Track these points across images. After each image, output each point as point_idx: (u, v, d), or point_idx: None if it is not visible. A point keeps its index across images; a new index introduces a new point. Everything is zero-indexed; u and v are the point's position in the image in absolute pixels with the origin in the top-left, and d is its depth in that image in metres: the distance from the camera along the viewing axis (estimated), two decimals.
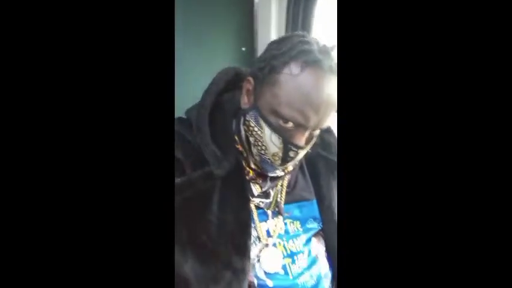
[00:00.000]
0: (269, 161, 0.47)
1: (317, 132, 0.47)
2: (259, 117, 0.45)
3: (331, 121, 0.46)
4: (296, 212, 0.55)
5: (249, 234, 0.49)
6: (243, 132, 0.49)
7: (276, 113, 0.43)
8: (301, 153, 0.47)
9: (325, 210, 0.56)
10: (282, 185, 0.55)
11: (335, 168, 0.59)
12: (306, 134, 0.45)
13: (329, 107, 0.43)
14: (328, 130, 0.61)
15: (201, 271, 0.45)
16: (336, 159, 0.59)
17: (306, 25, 0.76)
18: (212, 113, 0.50)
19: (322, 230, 0.57)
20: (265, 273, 0.51)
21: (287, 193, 0.55)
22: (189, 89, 0.55)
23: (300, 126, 0.44)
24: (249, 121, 0.47)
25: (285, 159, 0.45)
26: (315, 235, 0.56)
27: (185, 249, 0.46)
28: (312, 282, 0.52)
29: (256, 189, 0.52)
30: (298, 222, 0.55)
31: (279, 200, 0.54)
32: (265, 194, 0.53)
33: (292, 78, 0.42)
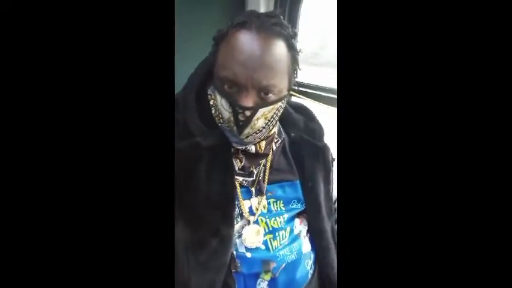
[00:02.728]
0: (227, 128, 0.48)
1: (271, 96, 0.46)
2: (214, 87, 0.48)
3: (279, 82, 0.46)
4: (279, 192, 0.56)
5: (233, 206, 0.50)
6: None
7: (219, 78, 0.46)
8: (257, 120, 0.46)
9: (308, 191, 0.57)
10: (265, 166, 0.56)
11: (319, 152, 0.59)
12: (251, 95, 0.45)
13: (259, 63, 0.44)
14: (313, 119, 0.63)
15: (189, 235, 0.46)
16: (320, 145, 0.60)
17: (291, 21, 0.80)
18: (198, 92, 0.52)
19: (305, 211, 0.58)
20: (246, 248, 0.51)
21: (270, 173, 0.56)
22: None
23: (238, 86, 0.45)
24: (210, 94, 0.49)
25: (238, 124, 0.46)
26: (298, 216, 0.57)
27: (176, 213, 0.46)
28: (292, 257, 0.52)
29: (236, 163, 0.53)
30: (281, 202, 0.56)
31: (260, 178, 0.55)
32: (249, 173, 0.55)
33: (224, 45, 0.47)
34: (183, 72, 0.54)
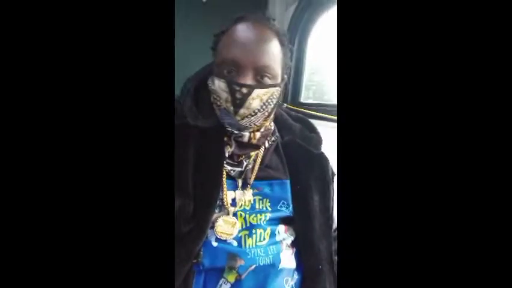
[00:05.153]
0: (224, 110, 0.48)
1: (266, 80, 0.48)
2: (213, 76, 0.50)
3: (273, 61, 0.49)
4: (267, 189, 0.51)
5: (217, 190, 0.48)
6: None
7: (218, 65, 0.50)
8: (253, 100, 0.47)
9: (298, 195, 0.52)
10: (255, 160, 0.52)
11: (314, 159, 0.56)
12: (249, 75, 0.47)
13: (256, 46, 0.48)
14: (312, 130, 0.61)
15: (178, 204, 0.45)
16: (315, 152, 0.56)
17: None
18: (197, 87, 0.54)
19: (292, 218, 0.51)
20: (217, 238, 0.44)
21: (260, 169, 0.52)
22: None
23: (237, 68, 0.47)
24: (209, 84, 0.51)
25: (235, 102, 0.47)
26: (285, 223, 0.51)
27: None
28: (266, 260, 0.45)
29: (226, 149, 0.50)
30: (267, 201, 0.50)
31: (248, 169, 0.51)
32: (237, 163, 0.51)
33: (224, 37, 0.51)
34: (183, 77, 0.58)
